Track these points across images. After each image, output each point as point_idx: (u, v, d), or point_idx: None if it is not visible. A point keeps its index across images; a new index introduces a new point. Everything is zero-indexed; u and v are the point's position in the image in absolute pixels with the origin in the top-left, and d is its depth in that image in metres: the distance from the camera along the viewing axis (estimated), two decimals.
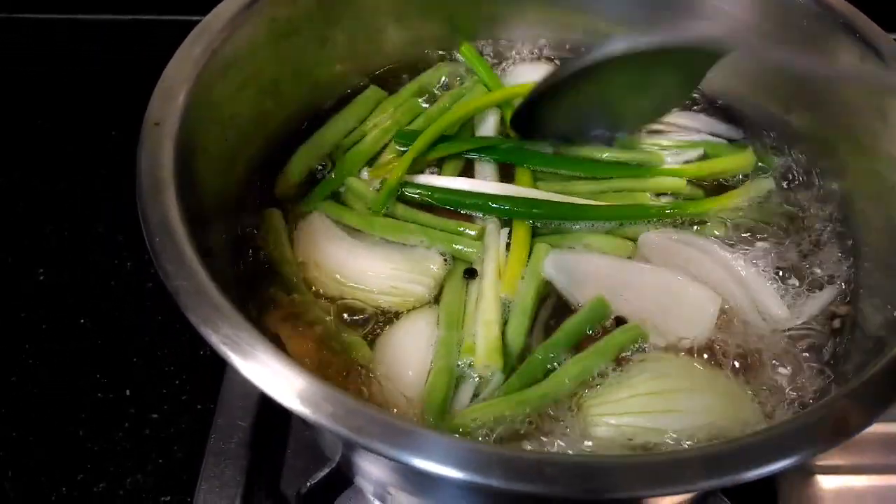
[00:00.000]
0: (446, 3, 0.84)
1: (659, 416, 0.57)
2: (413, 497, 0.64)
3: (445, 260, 0.68)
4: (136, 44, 1.20)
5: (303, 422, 0.49)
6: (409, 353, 0.63)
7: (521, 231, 0.70)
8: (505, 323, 0.64)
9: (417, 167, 0.75)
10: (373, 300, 0.66)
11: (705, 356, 0.63)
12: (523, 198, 0.72)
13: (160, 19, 1.22)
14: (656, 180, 0.74)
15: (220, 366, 0.78)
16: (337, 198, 0.74)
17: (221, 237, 0.64)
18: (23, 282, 0.93)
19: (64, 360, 0.86)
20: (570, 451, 0.57)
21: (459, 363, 0.62)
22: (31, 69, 1.20)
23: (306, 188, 0.74)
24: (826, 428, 0.46)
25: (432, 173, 0.76)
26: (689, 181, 0.75)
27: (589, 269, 0.67)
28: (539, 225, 0.71)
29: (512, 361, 0.62)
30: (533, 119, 0.72)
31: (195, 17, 0.65)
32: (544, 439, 0.58)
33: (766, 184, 0.75)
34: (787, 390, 0.61)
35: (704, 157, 0.78)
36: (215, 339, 0.46)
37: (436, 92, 0.83)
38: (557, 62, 0.87)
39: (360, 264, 0.67)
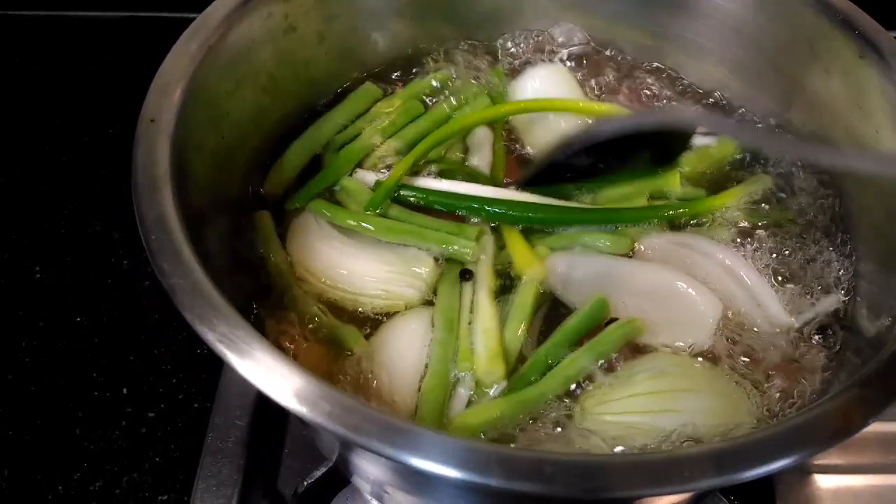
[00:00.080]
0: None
1: (657, 416, 0.57)
2: (410, 496, 0.64)
3: (438, 261, 0.68)
4: (132, 40, 1.20)
5: (300, 421, 0.49)
6: (403, 355, 0.62)
7: (514, 233, 0.69)
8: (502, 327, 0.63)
9: (414, 169, 0.73)
10: (361, 303, 0.65)
11: (705, 356, 0.63)
12: (519, 202, 0.70)
13: (156, 16, 1.21)
14: (652, 182, 0.73)
15: (217, 364, 0.78)
16: (329, 197, 0.73)
17: (218, 235, 0.64)
18: (20, 280, 0.93)
19: (61, 359, 0.86)
20: (568, 451, 0.57)
21: (455, 372, 0.61)
22: (25, 66, 1.19)
23: (298, 186, 0.73)
24: (824, 428, 0.46)
25: (429, 174, 0.74)
26: (688, 182, 0.74)
27: (587, 272, 0.66)
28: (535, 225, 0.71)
29: (510, 367, 0.61)
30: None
31: (191, 14, 0.65)
32: (542, 439, 0.57)
33: (765, 181, 0.74)
34: (786, 391, 0.61)
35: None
36: (212, 338, 0.46)
37: (432, 95, 0.82)
38: (557, 60, 0.86)
39: (350, 265, 0.66)
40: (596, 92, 0.84)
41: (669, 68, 0.85)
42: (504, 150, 0.78)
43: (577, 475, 0.42)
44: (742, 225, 0.71)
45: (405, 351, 0.62)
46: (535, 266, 0.66)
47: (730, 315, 0.64)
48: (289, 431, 0.79)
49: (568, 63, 0.86)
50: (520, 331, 0.63)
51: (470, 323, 0.64)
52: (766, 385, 0.61)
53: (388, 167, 0.74)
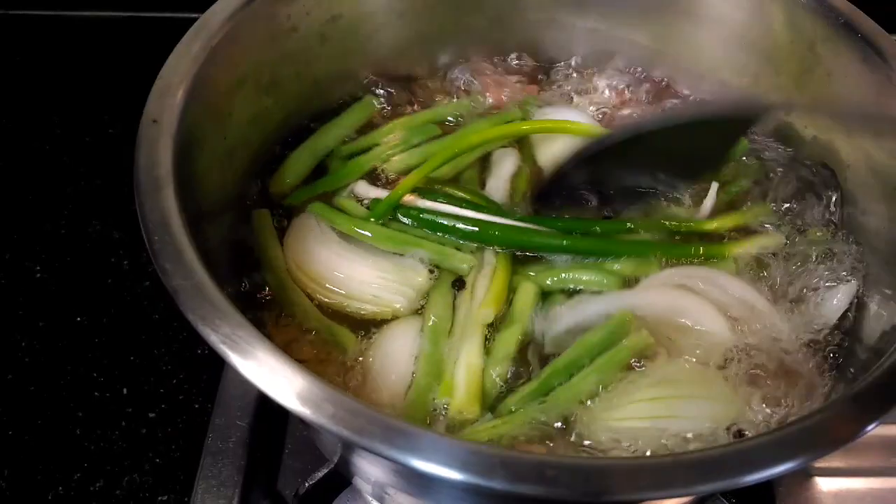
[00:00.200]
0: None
1: (661, 422, 0.57)
2: (412, 498, 0.64)
3: (432, 273, 0.68)
4: (134, 41, 1.20)
5: (301, 422, 0.49)
6: (392, 363, 0.62)
7: (505, 260, 0.68)
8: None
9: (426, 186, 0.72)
10: (350, 307, 0.65)
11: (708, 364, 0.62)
12: (524, 228, 0.69)
13: (157, 16, 1.21)
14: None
15: (218, 365, 0.78)
16: (332, 202, 0.73)
17: (220, 235, 0.64)
18: (20, 280, 0.93)
19: (61, 359, 0.86)
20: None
21: (435, 396, 0.60)
22: (26, 66, 1.19)
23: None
24: (826, 432, 0.46)
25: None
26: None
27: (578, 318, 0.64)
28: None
29: (488, 406, 0.60)
30: (559, 192, 0.70)
31: (193, 14, 0.65)
32: (544, 445, 0.58)
33: (778, 239, 0.71)
34: (788, 399, 0.61)
35: None
36: (214, 339, 0.46)
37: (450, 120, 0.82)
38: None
39: (345, 268, 0.66)
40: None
41: (670, 70, 0.86)
42: (529, 175, 0.76)
43: (581, 478, 0.42)
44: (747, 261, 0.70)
45: (394, 359, 0.62)
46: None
47: (734, 327, 0.64)
48: (290, 432, 0.79)
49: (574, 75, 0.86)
50: (503, 371, 0.62)
51: (459, 338, 0.63)
52: (767, 393, 0.61)
53: (393, 182, 0.74)
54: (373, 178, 0.76)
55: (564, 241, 0.68)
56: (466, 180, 0.76)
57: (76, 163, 1.05)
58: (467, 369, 0.61)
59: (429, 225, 0.69)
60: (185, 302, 0.48)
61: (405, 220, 0.70)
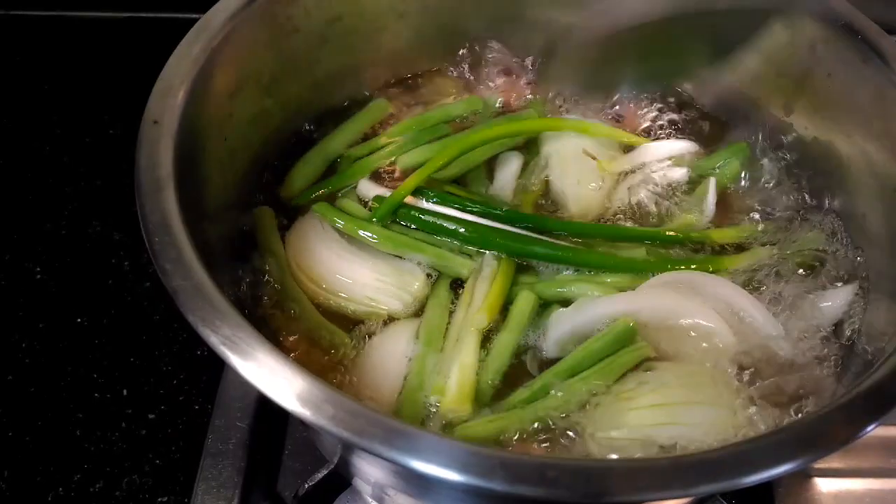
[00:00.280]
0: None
1: (661, 429, 0.57)
2: (412, 499, 0.64)
3: (430, 277, 0.68)
4: (134, 41, 1.20)
5: (301, 423, 0.49)
6: (386, 363, 0.62)
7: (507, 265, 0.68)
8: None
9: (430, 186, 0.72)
10: (345, 307, 0.66)
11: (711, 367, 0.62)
12: (526, 236, 0.69)
13: (158, 17, 1.21)
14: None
15: (218, 366, 0.78)
16: (333, 202, 0.73)
17: (221, 236, 0.64)
18: (20, 280, 0.93)
19: (61, 360, 0.86)
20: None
21: (427, 395, 0.60)
22: (26, 66, 1.19)
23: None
24: (826, 433, 0.46)
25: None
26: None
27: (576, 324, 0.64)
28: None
29: (482, 405, 0.61)
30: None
31: (194, 15, 0.65)
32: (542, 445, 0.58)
33: (767, 252, 0.70)
34: (787, 404, 0.61)
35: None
36: (215, 340, 0.46)
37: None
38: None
39: (344, 269, 0.67)
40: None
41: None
42: (542, 183, 0.76)
43: (580, 479, 0.42)
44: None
45: (389, 360, 0.63)
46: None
47: (734, 330, 0.63)
48: (289, 434, 0.79)
49: None
50: (497, 375, 0.62)
51: (455, 340, 0.63)
52: (766, 398, 0.61)
53: (400, 181, 0.74)
54: (379, 177, 0.76)
55: (563, 253, 0.68)
56: (472, 180, 0.76)
57: (76, 163, 1.05)
58: (460, 368, 0.61)
59: (430, 227, 0.69)
60: (185, 303, 0.48)
61: (406, 222, 0.70)
